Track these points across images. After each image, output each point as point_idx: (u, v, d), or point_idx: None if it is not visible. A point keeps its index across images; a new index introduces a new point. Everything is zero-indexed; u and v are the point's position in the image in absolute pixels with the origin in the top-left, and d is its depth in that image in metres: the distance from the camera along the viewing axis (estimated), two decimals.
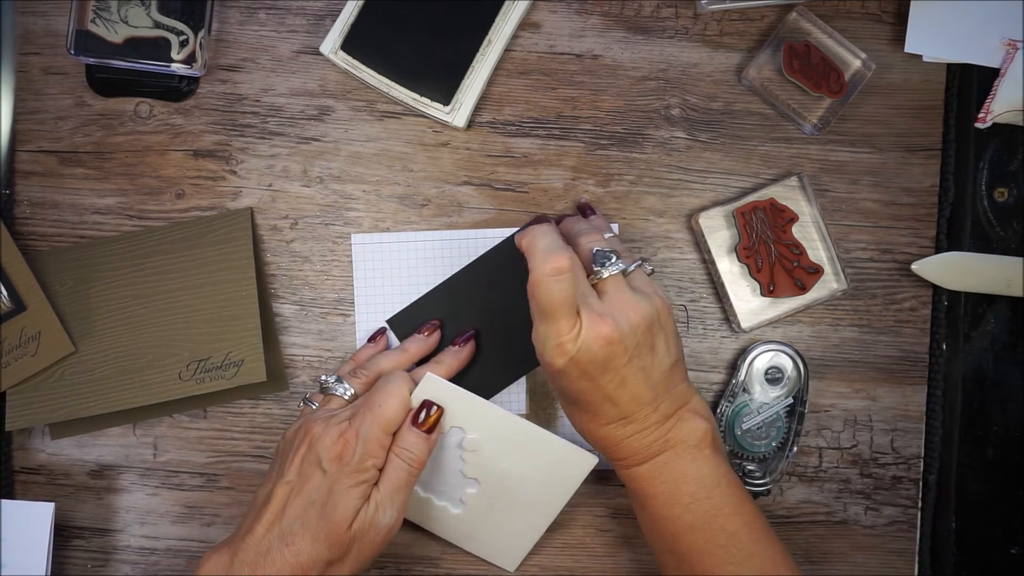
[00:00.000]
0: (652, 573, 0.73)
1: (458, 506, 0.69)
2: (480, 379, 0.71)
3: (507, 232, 0.72)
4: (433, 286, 0.72)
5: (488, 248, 0.72)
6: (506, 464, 0.67)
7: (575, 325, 0.58)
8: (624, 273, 0.62)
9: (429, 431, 0.63)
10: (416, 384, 0.65)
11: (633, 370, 0.59)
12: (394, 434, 0.63)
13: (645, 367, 0.60)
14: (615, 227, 0.72)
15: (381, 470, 0.62)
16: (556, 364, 0.59)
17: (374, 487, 0.61)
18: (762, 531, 0.61)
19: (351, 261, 0.72)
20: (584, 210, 0.71)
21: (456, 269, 0.72)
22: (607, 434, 0.61)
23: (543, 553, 0.72)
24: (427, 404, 0.64)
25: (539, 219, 0.69)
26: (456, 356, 0.69)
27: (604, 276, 0.61)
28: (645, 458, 0.61)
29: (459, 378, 0.70)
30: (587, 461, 0.66)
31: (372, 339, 0.71)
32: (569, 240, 0.64)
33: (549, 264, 0.58)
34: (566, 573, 0.73)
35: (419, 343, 0.70)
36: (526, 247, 0.60)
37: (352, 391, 0.66)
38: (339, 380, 0.67)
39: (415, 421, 0.63)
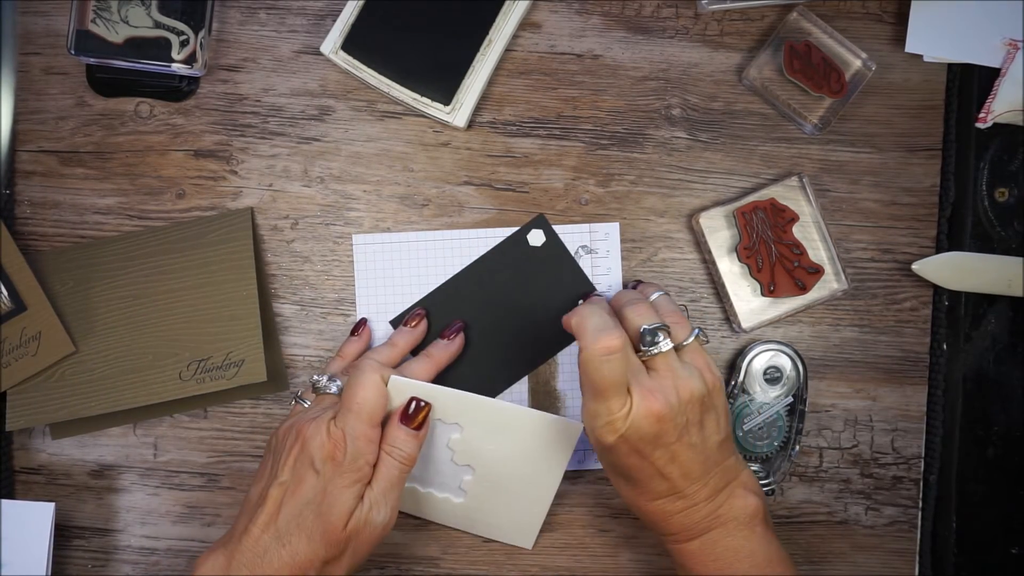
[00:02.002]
0: (652, 573, 0.73)
1: (460, 495, 0.69)
2: (482, 379, 0.71)
3: (508, 231, 0.72)
4: (435, 286, 0.72)
5: (490, 248, 0.72)
6: (494, 447, 0.67)
7: (626, 403, 0.58)
8: (678, 347, 0.61)
9: (418, 428, 0.63)
10: (385, 366, 0.65)
11: (684, 446, 0.59)
12: (382, 426, 0.63)
13: (695, 444, 0.59)
14: (658, 294, 0.67)
15: (374, 467, 0.62)
16: (606, 441, 0.59)
17: (367, 486, 0.61)
18: None
19: (352, 261, 0.72)
20: (629, 285, 0.70)
21: (458, 269, 0.72)
22: (656, 509, 0.61)
23: (543, 553, 0.72)
24: (415, 401, 0.64)
25: (587, 296, 0.69)
26: (445, 349, 0.69)
27: (654, 353, 0.60)
28: (695, 534, 0.61)
29: (460, 378, 0.70)
30: (574, 428, 0.66)
31: (355, 332, 0.71)
32: (616, 312, 0.63)
33: (600, 344, 0.57)
34: (566, 573, 0.73)
35: (406, 335, 0.70)
36: (576, 326, 0.60)
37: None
38: (331, 379, 0.66)
39: (403, 419, 0.63)
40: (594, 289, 0.72)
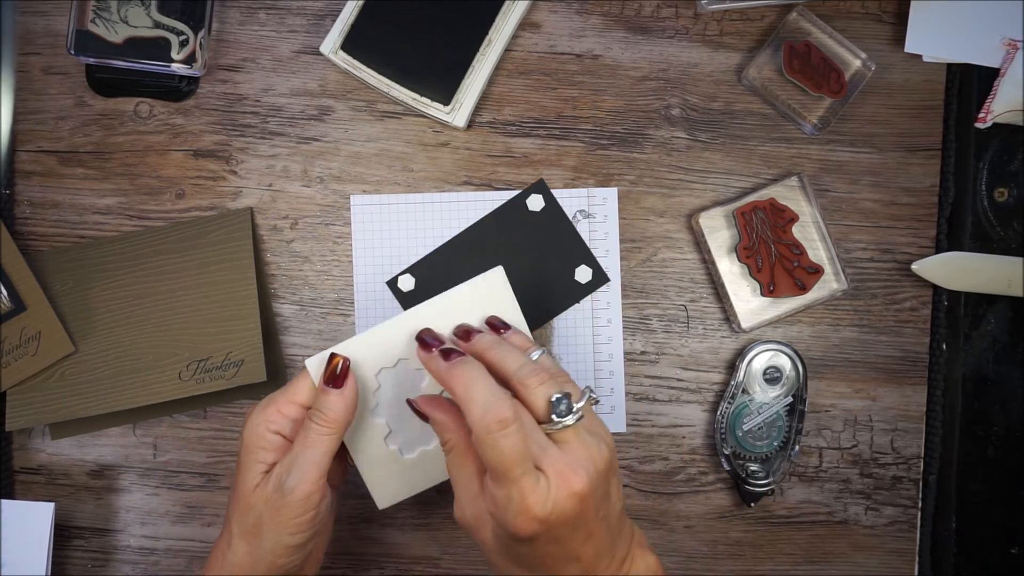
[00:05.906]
0: None
1: (435, 439, 0.64)
2: None
3: (508, 195, 0.72)
4: (432, 249, 0.72)
5: (488, 212, 0.72)
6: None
7: (539, 481, 0.51)
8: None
9: (338, 384, 0.57)
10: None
11: (598, 522, 0.53)
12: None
13: (606, 516, 0.54)
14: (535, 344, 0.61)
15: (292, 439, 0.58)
16: (524, 532, 0.51)
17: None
18: None
19: (351, 260, 0.72)
20: (497, 327, 0.60)
21: (455, 232, 0.72)
22: None
23: None
24: (331, 356, 0.58)
25: (427, 338, 0.58)
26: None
27: (568, 424, 0.52)
28: None
29: None
30: (496, 274, 0.61)
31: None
32: (499, 373, 0.55)
33: (491, 417, 0.50)
34: None
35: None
36: (461, 397, 0.52)
37: None
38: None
39: (324, 380, 0.57)
40: (591, 254, 0.71)
